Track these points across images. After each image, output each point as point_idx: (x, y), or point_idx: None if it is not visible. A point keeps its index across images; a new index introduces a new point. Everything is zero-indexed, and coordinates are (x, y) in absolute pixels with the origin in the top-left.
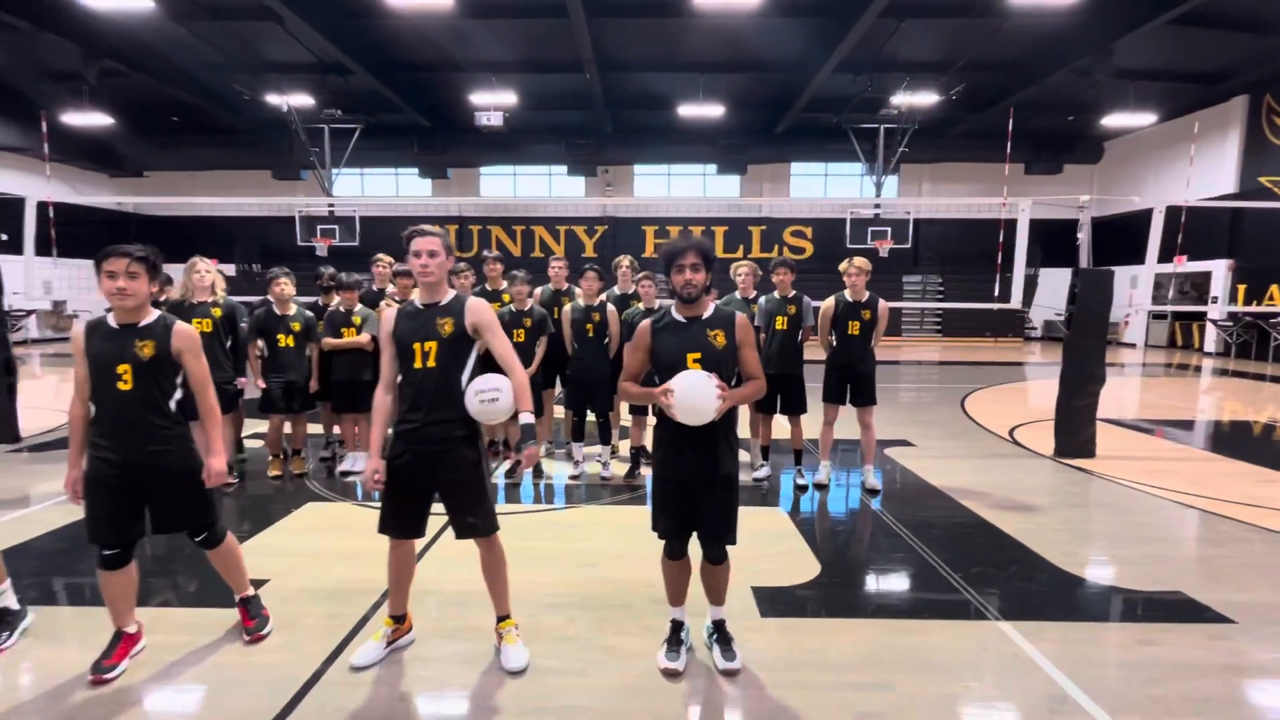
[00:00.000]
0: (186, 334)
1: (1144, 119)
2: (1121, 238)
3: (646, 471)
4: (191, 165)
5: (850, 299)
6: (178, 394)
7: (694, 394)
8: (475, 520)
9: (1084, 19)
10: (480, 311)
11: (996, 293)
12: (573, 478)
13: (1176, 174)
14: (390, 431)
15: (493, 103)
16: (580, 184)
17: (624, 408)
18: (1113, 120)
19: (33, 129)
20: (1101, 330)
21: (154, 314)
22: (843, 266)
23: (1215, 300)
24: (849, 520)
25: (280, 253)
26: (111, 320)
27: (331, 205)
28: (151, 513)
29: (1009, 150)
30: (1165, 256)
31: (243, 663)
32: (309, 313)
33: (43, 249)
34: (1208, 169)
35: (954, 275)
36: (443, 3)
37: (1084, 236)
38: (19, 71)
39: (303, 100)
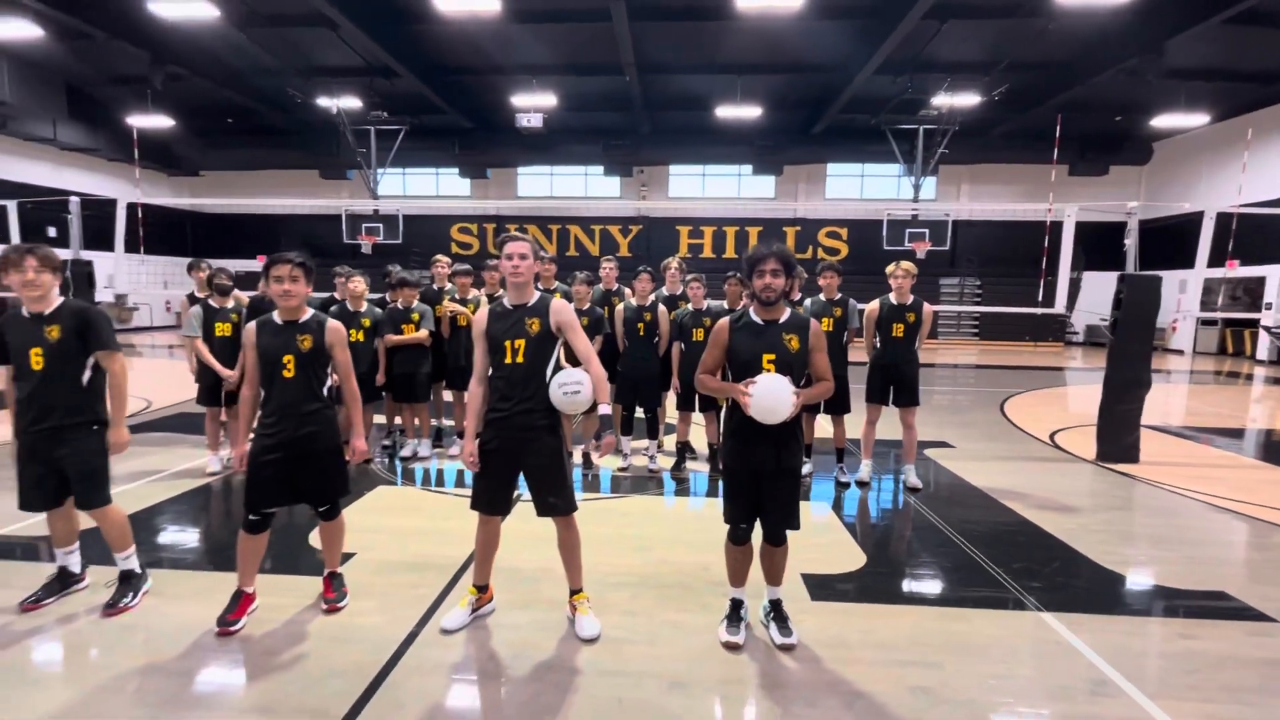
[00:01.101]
0: (336, 329)
1: (1196, 119)
2: (1170, 241)
3: (692, 466)
4: (244, 165)
5: (895, 302)
6: (329, 381)
7: (772, 395)
8: (556, 500)
9: (1134, 18)
10: (563, 312)
11: (1040, 297)
12: (621, 470)
13: (1230, 176)
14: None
15: (533, 104)
16: (615, 184)
17: (671, 405)
18: (1163, 121)
19: (100, 131)
20: (1147, 336)
21: (309, 311)
22: (889, 269)
23: (1269, 306)
24: (891, 516)
25: (326, 250)
26: (276, 317)
27: (377, 206)
28: (302, 486)
29: (1055, 153)
30: (1216, 261)
31: (346, 623)
32: (378, 310)
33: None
34: (1263, 171)
35: (992, 278)
36: (489, 8)
37: (1131, 242)
38: (90, 77)
39: (351, 103)
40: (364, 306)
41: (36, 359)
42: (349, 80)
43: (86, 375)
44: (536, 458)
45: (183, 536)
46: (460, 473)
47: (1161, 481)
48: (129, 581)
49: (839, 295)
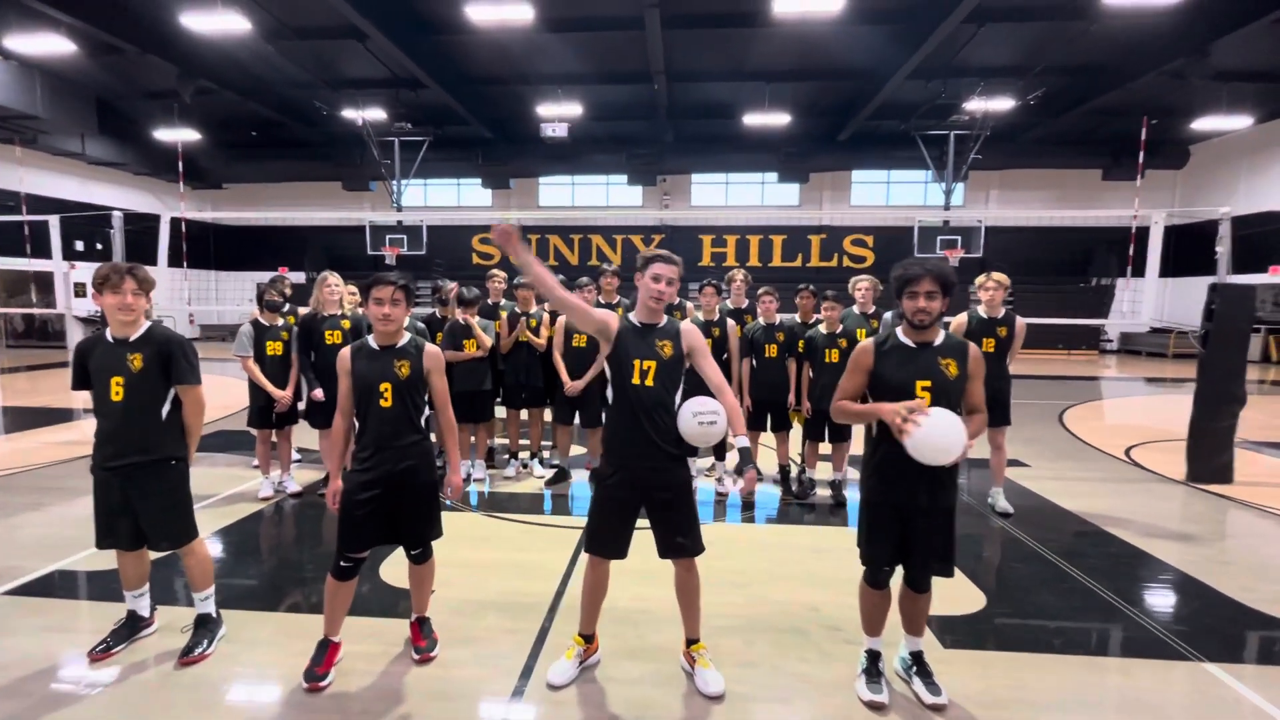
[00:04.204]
0: (435, 354)
1: (1237, 122)
2: (1206, 247)
3: (759, 488)
4: (266, 177)
5: (985, 315)
6: (426, 411)
7: (946, 433)
8: (685, 540)
9: (1180, 19)
10: (695, 335)
11: (1126, 306)
12: None
13: (1271, 179)
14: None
15: (558, 114)
16: (637, 193)
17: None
18: (1201, 123)
19: (128, 146)
20: (1241, 348)
21: (406, 336)
22: (979, 280)
23: None
24: (993, 546)
25: (349, 261)
26: (373, 342)
27: (400, 217)
28: (400, 525)
29: (1141, 156)
30: (1261, 266)
31: (442, 675)
32: (419, 324)
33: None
34: None
35: (1024, 285)
36: (522, 18)
37: (1223, 250)
38: (120, 92)
39: (376, 114)
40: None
41: (116, 389)
42: (375, 92)
43: (166, 409)
44: (665, 492)
45: (245, 572)
46: (511, 496)
47: (1266, 505)
48: (205, 626)
49: None
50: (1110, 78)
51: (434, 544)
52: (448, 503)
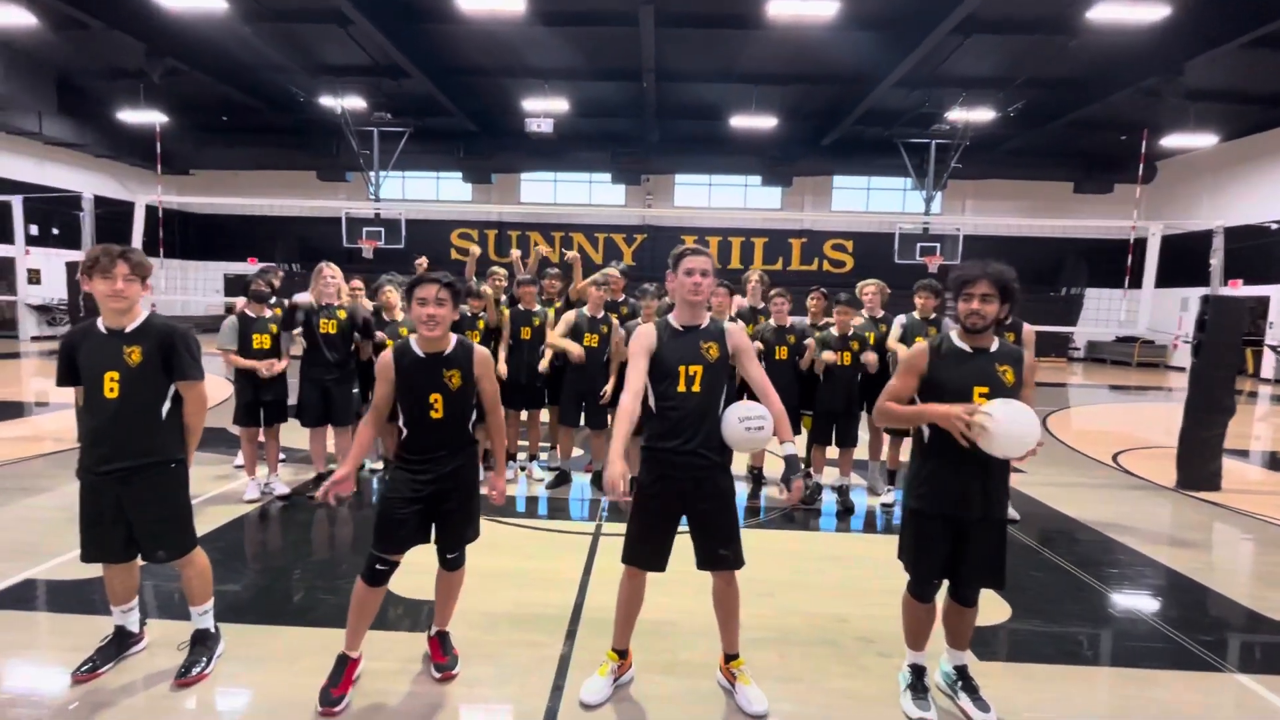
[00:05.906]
0: (485, 360)
1: (1202, 140)
2: (1179, 259)
3: (767, 491)
4: (238, 164)
5: None
6: (474, 415)
7: (1023, 420)
8: (728, 552)
9: (1157, 38)
10: (740, 335)
11: (1123, 316)
12: None
13: (1233, 196)
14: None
15: (544, 109)
16: (620, 191)
17: None
18: (1169, 140)
19: (89, 126)
20: (1231, 359)
21: (453, 339)
22: None
23: (1272, 325)
24: (1007, 552)
25: (323, 253)
26: (417, 348)
27: (378, 209)
28: (441, 524)
29: (1141, 170)
30: (1222, 280)
31: (467, 694)
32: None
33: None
34: (1268, 192)
35: None
36: (514, 8)
37: (1216, 261)
38: (83, 70)
39: (355, 103)
40: (400, 316)
41: (111, 385)
42: (355, 80)
43: (165, 407)
44: (708, 502)
45: (235, 583)
46: (510, 499)
47: (1257, 512)
48: (204, 643)
49: (934, 314)
50: (1087, 92)
51: (434, 553)
52: None
